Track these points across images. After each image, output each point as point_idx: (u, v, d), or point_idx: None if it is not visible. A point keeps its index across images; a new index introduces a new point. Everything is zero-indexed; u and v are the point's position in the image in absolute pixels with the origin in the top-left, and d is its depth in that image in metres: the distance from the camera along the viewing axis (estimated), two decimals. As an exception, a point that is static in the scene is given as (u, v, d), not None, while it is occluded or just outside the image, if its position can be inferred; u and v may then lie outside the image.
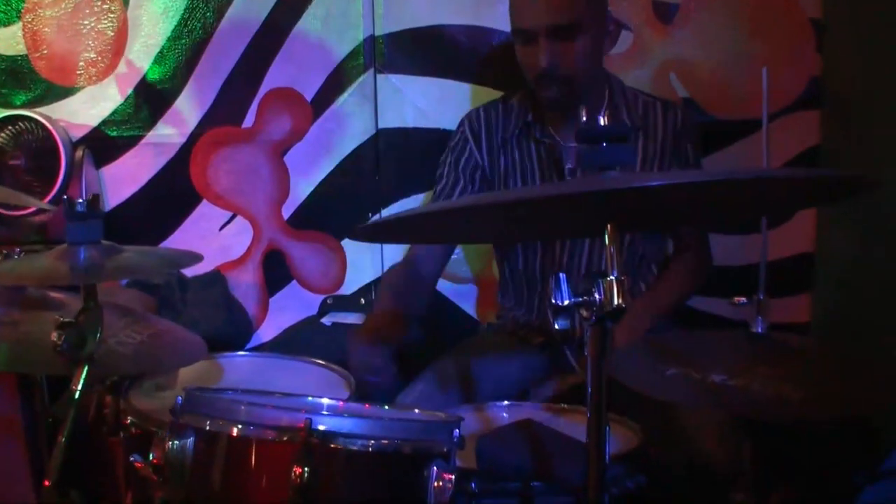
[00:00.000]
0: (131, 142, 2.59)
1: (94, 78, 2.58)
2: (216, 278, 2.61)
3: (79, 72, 2.58)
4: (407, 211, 1.59)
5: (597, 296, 1.06)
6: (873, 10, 2.12)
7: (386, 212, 2.56)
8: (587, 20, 1.88)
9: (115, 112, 2.58)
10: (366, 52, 2.49)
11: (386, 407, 1.55)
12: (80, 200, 1.42)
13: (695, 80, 2.39)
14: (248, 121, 2.57)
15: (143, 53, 2.55)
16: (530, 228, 1.39)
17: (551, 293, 1.08)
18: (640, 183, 1.04)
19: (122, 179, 2.61)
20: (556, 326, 1.08)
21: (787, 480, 1.68)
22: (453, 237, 1.73)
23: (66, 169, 2.46)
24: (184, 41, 2.54)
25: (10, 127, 2.48)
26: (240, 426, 1.25)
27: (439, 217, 1.21)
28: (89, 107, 2.58)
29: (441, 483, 1.24)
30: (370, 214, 2.56)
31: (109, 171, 2.61)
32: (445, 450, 1.29)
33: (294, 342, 2.61)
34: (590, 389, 1.10)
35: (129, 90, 2.57)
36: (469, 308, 2.59)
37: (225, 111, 2.56)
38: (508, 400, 1.77)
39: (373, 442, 1.24)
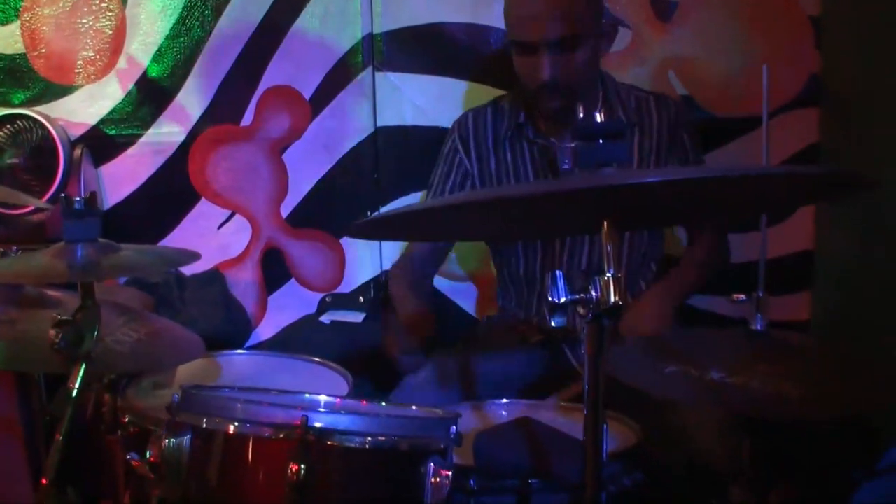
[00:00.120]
0: (130, 140, 2.59)
1: (92, 76, 2.58)
2: (215, 277, 2.61)
3: (77, 70, 2.58)
4: (404, 207, 1.59)
5: (593, 293, 1.06)
6: (872, 8, 2.12)
7: (385, 210, 2.56)
8: (587, 29, 1.87)
9: (113, 110, 2.58)
10: (364, 49, 2.49)
11: (383, 403, 1.55)
12: (78, 199, 1.42)
13: (694, 77, 2.39)
14: (247, 119, 2.57)
15: (141, 52, 2.55)
16: (527, 226, 1.39)
17: (548, 290, 1.07)
18: (637, 179, 1.03)
19: (120, 178, 2.61)
20: (553, 324, 1.08)
21: (786, 478, 1.68)
22: (450, 234, 1.73)
23: (65, 168, 2.47)
24: (182, 39, 2.54)
25: (8, 126, 2.48)
26: (236, 424, 1.25)
27: (436, 214, 1.20)
28: (88, 105, 2.58)
29: (438, 480, 1.24)
30: (369, 212, 2.55)
31: (108, 169, 2.61)
32: (442, 446, 1.29)
33: (293, 340, 2.61)
34: (587, 387, 1.10)
35: (128, 89, 2.57)
36: (468, 306, 2.59)
37: (223, 109, 2.56)
38: (507, 397, 1.77)
39: (369, 439, 1.24)
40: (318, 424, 1.21)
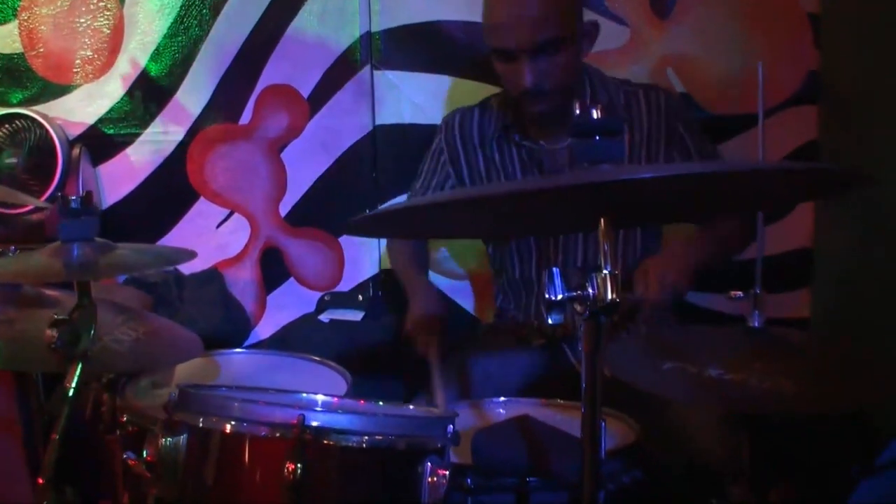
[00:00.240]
0: (128, 139, 2.59)
1: (90, 76, 2.58)
2: (213, 276, 2.61)
3: (75, 70, 2.57)
4: (400, 203, 1.59)
5: (590, 290, 1.05)
6: (871, 5, 2.11)
7: (383, 208, 2.56)
8: (566, 32, 1.85)
9: (111, 110, 2.58)
10: (362, 48, 2.49)
11: (380, 403, 1.55)
12: (74, 198, 1.42)
13: (692, 75, 2.38)
14: (245, 118, 2.56)
15: (139, 51, 2.55)
16: (525, 223, 1.38)
17: (545, 288, 1.07)
18: (630, 175, 1.03)
19: (118, 177, 2.61)
20: (550, 321, 1.08)
21: (786, 476, 1.68)
22: (446, 231, 1.73)
23: (63, 167, 2.46)
24: (180, 38, 2.54)
25: (6, 125, 2.48)
26: (233, 423, 1.24)
27: (432, 210, 1.20)
28: (86, 105, 2.58)
29: (435, 479, 1.24)
30: (368, 211, 2.55)
31: (106, 168, 2.61)
32: (440, 445, 1.28)
33: (292, 339, 2.61)
34: (584, 384, 1.10)
35: (126, 88, 2.57)
36: (467, 305, 2.59)
37: (222, 108, 2.56)
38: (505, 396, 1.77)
39: (366, 438, 1.23)
40: (314, 423, 1.20)
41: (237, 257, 2.64)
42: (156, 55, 2.55)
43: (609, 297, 1.05)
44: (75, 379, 1.37)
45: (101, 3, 2.54)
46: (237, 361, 2.01)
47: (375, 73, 2.50)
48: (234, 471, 1.25)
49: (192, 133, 2.57)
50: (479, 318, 2.54)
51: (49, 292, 1.75)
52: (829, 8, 2.29)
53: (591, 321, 1.08)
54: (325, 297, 2.62)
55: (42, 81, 2.58)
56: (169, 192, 2.60)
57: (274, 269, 2.63)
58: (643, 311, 1.74)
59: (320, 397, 1.51)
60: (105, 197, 2.61)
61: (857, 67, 2.21)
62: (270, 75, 2.54)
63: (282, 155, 2.58)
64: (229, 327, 2.57)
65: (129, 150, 2.59)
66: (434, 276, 2.43)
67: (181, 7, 2.52)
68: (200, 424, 1.27)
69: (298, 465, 1.18)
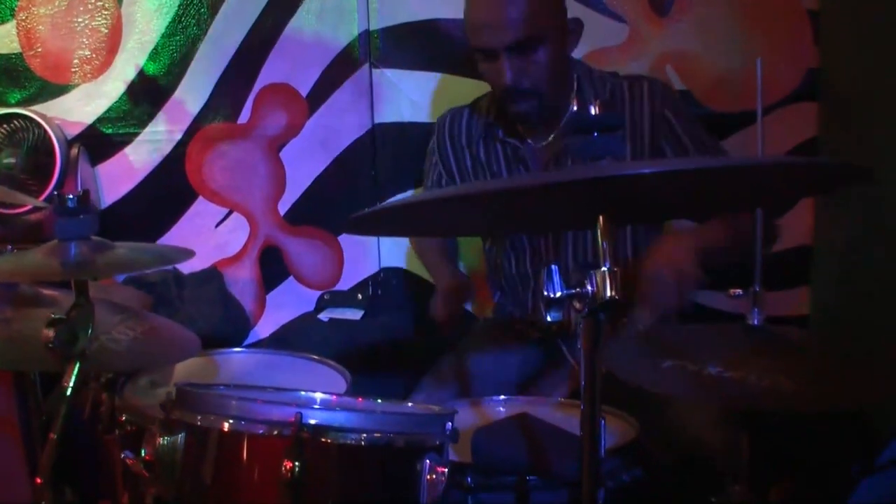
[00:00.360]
0: (127, 139, 2.59)
1: (88, 75, 2.57)
2: (213, 275, 2.60)
3: (73, 69, 2.57)
4: (399, 200, 1.58)
5: (589, 288, 1.05)
6: (870, 2, 2.11)
7: (384, 205, 2.55)
8: (546, 30, 1.85)
9: (110, 109, 2.58)
10: (361, 46, 2.49)
11: (379, 401, 1.54)
12: (71, 196, 1.41)
13: (691, 72, 2.38)
14: (244, 117, 2.56)
15: (137, 50, 2.55)
16: (522, 221, 1.38)
17: (543, 285, 1.07)
18: (620, 171, 1.03)
19: (117, 177, 2.61)
20: (549, 319, 1.07)
21: (786, 475, 1.67)
22: (446, 229, 1.72)
23: (62, 167, 2.46)
24: (178, 38, 2.53)
25: (4, 125, 2.48)
26: (231, 421, 1.24)
27: (431, 207, 1.20)
28: (84, 104, 2.58)
29: (434, 476, 1.23)
30: (367, 210, 2.54)
31: (105, 168, 2.61)
32: (438, 443, 1.28)
33: (291, 338, 2.60)
34: (583, 382, 1.09)
35: (124, 87, 2.56)
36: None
37: (220, 107, 2.56)
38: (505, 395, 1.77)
39: (365, 435, 1.23)
40: (312, 421, 1.20)
41: (236, 256, 2.63)
42: (154, 55, 2.55)
43: (608, 294, 1.04)
44: (73, 378, 1.36)
45: (98, 3, 2.54)
46: (236, 360, 2.01)
47: (374, 71, 2.50)
48: (232, 469, 1.24)
49: (190, 132, 2.57)
50: (477, 316, 2.54)
51: (46, 291, 1.75)
52: (829, 5, 2.29)
53: (590, 318, 1.08)
54: (325, 296, 2.62)
55: (40, 81, 2.58)
56: (168, 191, 2.60)
57: (273, 268, 2.63)
58: (642, 310, 1.72)
59: (318, 395, 1.51)
60: (104, 196, 2.61)
61: (857, 65, 2.20)
62: (269, 74, 2.53)
63: (281, 154, 2.58)
64: (229, 326, 2.57)
65: (128, 150, 2.59)
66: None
67: (179, 6, 2.52)
68: (198, 423, 1.26)
69: (296, 464, 1.17)
